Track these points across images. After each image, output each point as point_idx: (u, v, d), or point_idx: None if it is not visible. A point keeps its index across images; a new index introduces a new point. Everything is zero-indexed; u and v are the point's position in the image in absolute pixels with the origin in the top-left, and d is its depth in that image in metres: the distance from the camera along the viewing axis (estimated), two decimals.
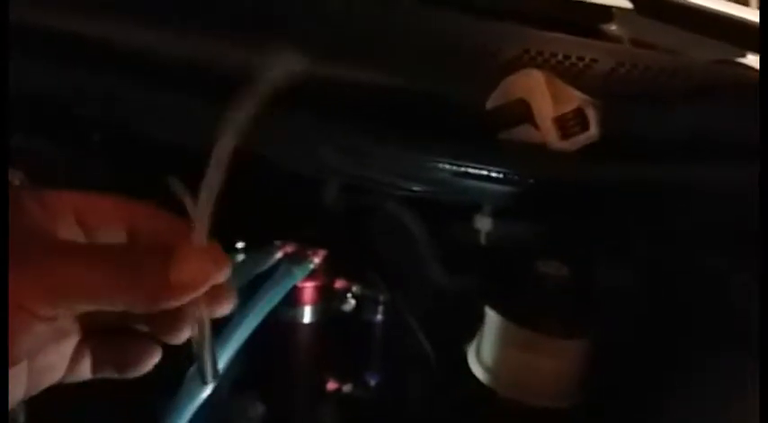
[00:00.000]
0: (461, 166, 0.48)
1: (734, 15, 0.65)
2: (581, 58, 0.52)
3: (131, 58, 0.59)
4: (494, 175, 0.48)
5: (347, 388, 0.71)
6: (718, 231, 0.49)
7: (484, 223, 0.58)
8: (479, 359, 0.53)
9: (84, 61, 0.59)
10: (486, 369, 0.52)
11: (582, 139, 0.48)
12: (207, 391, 0.55)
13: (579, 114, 0.48)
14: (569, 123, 0.48)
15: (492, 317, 0.51)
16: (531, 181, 0.47)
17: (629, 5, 0.66)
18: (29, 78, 0.61)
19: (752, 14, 0.66)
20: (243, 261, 0.65)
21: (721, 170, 0.47)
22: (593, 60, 0.52)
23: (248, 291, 0.61)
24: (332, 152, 0.53)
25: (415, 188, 0.53)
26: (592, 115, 0.48)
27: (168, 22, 0.60)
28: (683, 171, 0.48)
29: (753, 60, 0.70)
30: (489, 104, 0.50)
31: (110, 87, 0.59)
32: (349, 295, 0.69)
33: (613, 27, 0.68)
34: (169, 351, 0.67)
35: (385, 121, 0.51)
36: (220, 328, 0.58)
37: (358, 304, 0.69)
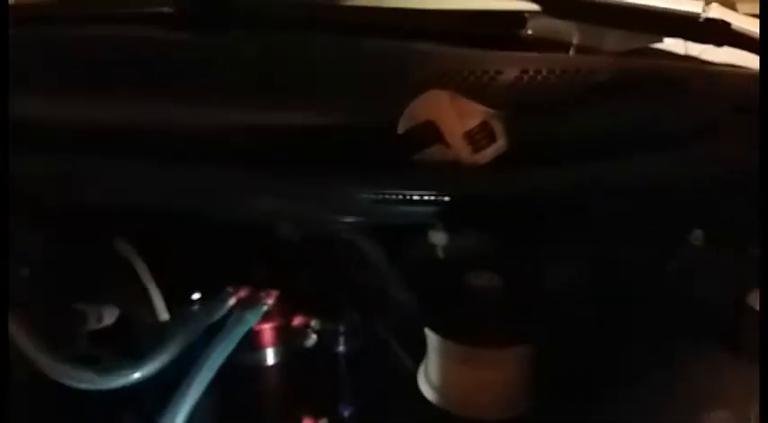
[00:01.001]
0: (380, 193, 0.49)
1: (641, 4, 0.66)
2: (486, 72, 0.53)
3: (65, 127, 0.60)
4: (411, 197, 0.48)
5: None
6: (644, 223, 0.50)
7: (439, 238, 0.59)
8: (427, 380, 0.53)
9: (22, 136, 0.59)
10: (434, 388, 0.52)
11: (491, 151, 0.49)
12: None
13: (485, 127, 0.49)
14: (477, 137, 0.49)
15: (431, 336, 0.51)
16: (447, 198, 0.48)
17: (537, 8, 0.67)
18: None
19: (658, 1, 0.67)
20: (196, 313, 0.65)
21: (633, 163, 0.48)
22: (498, 72, 0.53)
23: (204, 341, 0.61)
24: (260, 198, 0.54)
25: (344, 219, 0.53)
26: (498, 126, 0.49)
27: (99, 86, 0.61)
28: (595, 169, 0.48)
29: (671, 44, 0.72)
30: (399, 129, 0.51)
31: (50, 161, 0.60)
32: (309, 330, 0.69)
33: (529, 31, 0.69)
34: (132, 414, 0.67)
35: (305, 160, 0.52)
36: (177, 380, 0.59)
37: (319, 338, 0.69)
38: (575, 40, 0.65)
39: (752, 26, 0.60)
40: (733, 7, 0.70)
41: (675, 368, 0.48)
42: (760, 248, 0.44)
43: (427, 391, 0.52)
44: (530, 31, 0.68)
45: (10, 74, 0.62)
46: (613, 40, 0.66)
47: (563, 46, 0.64)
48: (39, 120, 0.61)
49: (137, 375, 0.57)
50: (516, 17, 0.68)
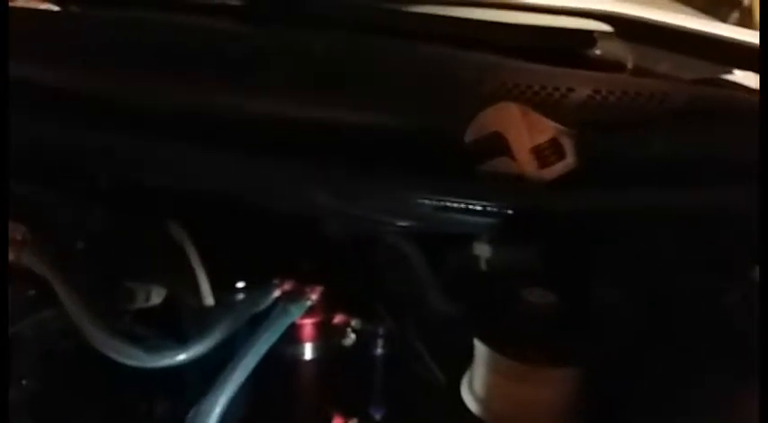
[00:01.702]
0: (442, 201, 0.49)
1: (716, 34, 0.66)
2: (557, 88, 0.53)
3: (129, 110, 0.61)
4: (474, 208, 0.48)
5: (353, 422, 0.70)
6: (705, 253, 0.49)
7: (483, 250, 0.58)
8: (471, 391, 0.53)
9: (84, 116, 0.61)
10: (478, 400, 0.51)
11: (559, 168, 0.49)
12: None
13: (555, 144, 0.49)
14: (545, 153, 0.49)
15: (480, 348, 0.51)
16: (511, 212, 0.48)
17: (609, 29, 0.66)
18: (31, 133, 0.63)
19: (733, 32, 0.66)
20: (242, 300, 0.66)
21: (701, 192, 0.47)
22: (570, 89, 0.53)
23: (247, 330, 0.62)
24: (318, 193, 0.54)
25: (400, 224, 0.53)
26: (567, 144, 0.49)
27: (163, 72, 0.63)
28: (662, 194, 0.48)
29: (740, 76, 0.70)
30: (466, 138, 0.51)
31: (109, 140, 0.62)
32: (349, 330, 0.69)
33: (597, 52, 0.68)
34: (169, 396, 0.68)
35: (367, 160, 0.52)
36: (219, 368, 0.59)
37: (358, 338, 0.70)
38: (645, 64, 0.64)
39: None
40: None
41: (723, 404, 0.47)
42: (760, 248, 0.44)
43: (470, 403, 0.52)
44: (598, 52, 0.68)
45: (81, 50, 0.64)
46: (685, 67, 0.66)
47: (632, 69, 0.64)
48: (102, 98, 0.62)
49: (182, 357, 0.58)
50: (586, 36, 0.67)
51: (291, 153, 0.55)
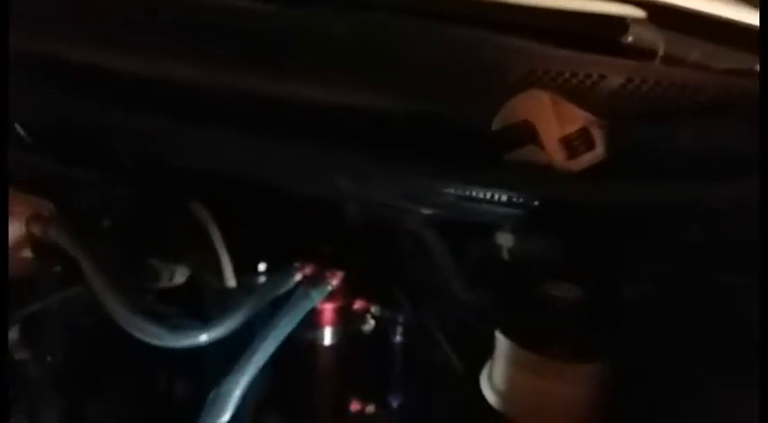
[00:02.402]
0: (467, 190, 0.48)
1: (750, 23, 0.63)
2: (588, 76, 0.52)
3: (153, 89, 0.61)
4: (499, 197, 0.48)
5: (370, 409, 0.71)
6: (732, 248, 0.48)
7: (503, 239, 0.58)
8: (491, 383, 0.53)
9: (113, 95, 0.61)
10: (498, 393, 0.51)
11: (588, 159, 0.48)
12: (227, 415, 0.56)
13: (584, 134, 0.48)
14: (575, 143, 0.48)
15: (502, 341, 0.51)
16: (537, 202, 0.47)
17: (642, 15, 0.64)
18: (59, 110, 0.64)
19: None
20: (263, 283, 0.66)
21: (733, 187, 0.46)
22: (601, 77, 0.52)
23: (268, 313, 0.62)
24: (342, 178, 0.54)
25: (424, 211, 0.53)
26: (597, 135, 0.48)
27: (186, 52, 0.62)
28: (693, 188, 0.46)
29: None
30: (494, 126, 0.50)
31: (138, 120, 0.62)
32: (368, 316, 0.70)
33: (629, 38, 0.67)
34: (189, 377, 0.68)
35: (392, 145, 0.51)
36: (241, 350, 0.60)
37: (378, 325, 0.70)
38: (676, 52, 0.62)
39: None
40: None
41: (745, 405, 0.46)
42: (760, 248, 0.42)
43: (490, 394, 0.51)
44: (630, 38, 0.66)
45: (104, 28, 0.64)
46: (717, 55, 0.64)
47: (664, 56, 0.62)
48: (128, 76, 0.62)
49: (204, 337, 0.58)
50: (619, 22, 0.66)
51: (315, 137, 0.55)
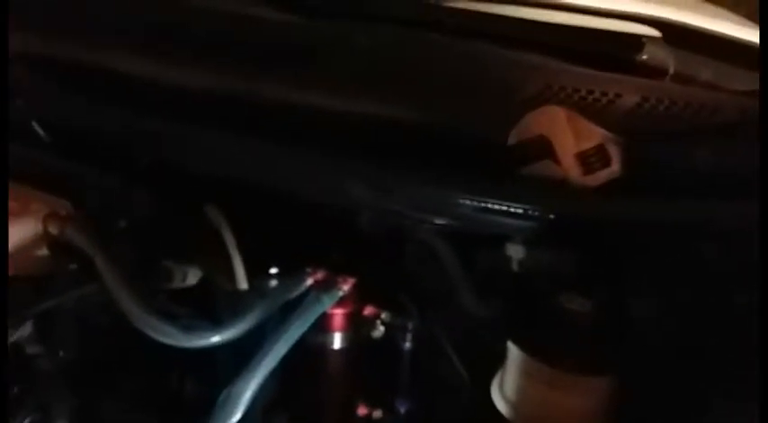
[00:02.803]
0: (482, 202, 0.49)
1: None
2: (604, 94, 0.53)
3: (173, 95, 0.62)
4: (514, 210, 0.48)
5: (377, 414, 0.71)
6: (744, 267, 0.48)
7: (516, 251, 0.59)
8: (502, 393, 0.53)
9: (132, 98, 0.62)
10: (509, 403, 0.52)
11: (604, 175, 0.49)
12: (237, 416, 0.57)
13: (601, 151, 0.49)
14: (591, 160, 0.49)
15: (514, 351, 0.51)
16: (552, 217, 0.48)
17: (657, 34, 0.65)
18: (78, 111, 0.65)
19: None
20: (275, 287, 0.67)
21: (745, 207, 0.47)
22: (618, 95, 0.53)
23: (279, 317, 0.63)
24: (356, 187, 0.55)
25: (438, 221, 0.54)
26: (614, 152, 0.49)
27: (206, 60, 0.63)
28: (707, 207, 0.47)
29: None
30: (510, 140, 0.51)
31: (156, 124, 0.63)
32: (378, 322, 0.70)
33: (644, 57, 0.67)
34: (199, 378, 0.69)
35: (408, 156, 0.52)
36: (252, 352, 0.60)
37: (387, 331, 0.71)
38: (688, 71, 0.63)
39: None
40: None
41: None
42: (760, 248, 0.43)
43: (500, 404, 0.52)
44: (645, 57, 0.67)
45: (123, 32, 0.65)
46: (729, 76, 0.65)
47: (674, 75, 0.63)
48: (146, 81, 0.63)
49: (216, 338, 0.59)
50: (634, 40, 0.66)
51: (332, 145, 0.55)
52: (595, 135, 0.49)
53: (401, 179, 0.52)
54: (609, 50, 0.65)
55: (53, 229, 0.64)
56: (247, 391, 0.58)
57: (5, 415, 0.42)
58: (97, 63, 0.66)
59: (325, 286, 0.65)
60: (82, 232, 0.63)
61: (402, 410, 0.71)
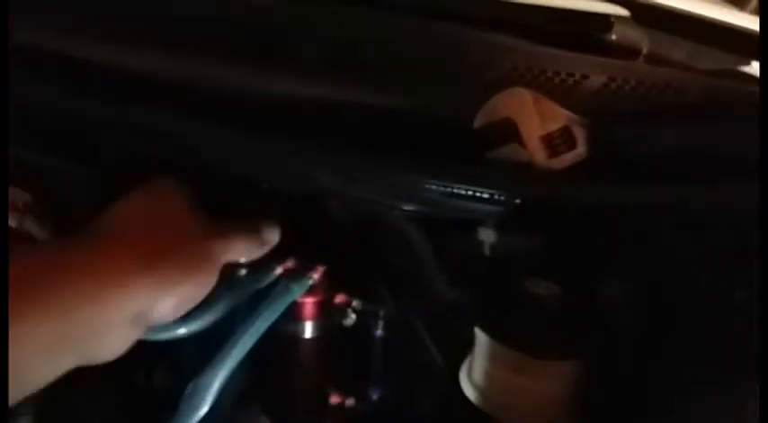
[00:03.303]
0: (448, 187, 0.48)
1: (733, 23, 0.64)
2: (571, 75, 0.52)
3: (137, 83, 0.60)
4: (480, 195, 0.48)
5: (350, 402, 0.71)
6: (715, 250, 0.48)
7: (488, 235, 0.58)
8: (470, 379, 0.53)
9: (90, 87, 0.60)
10: (477, 389, 0.51)
11: (569, 158, 0.48)
12: (205, 408, 0.56)
13: (566, 133, 0.48)
14: (556, 142, 0.48)
15: (481, 337, 0.51)
16: (518, 201, 0.47)
17: (626, 13, 0.65)
18: (40, 101, 0.63)
19: (751, 22, 0.65)
20: (244, 277, 0.66)
21: (714, 188, 0.46)
22: (584, 76, 0.52)
23: (248, 306, 0.62)
24: (324, 174, 0.53)
25: (406, 207, 0.53)
26: (579, 133, 0.48)
27: (170, 45, 0.61)
28: (675, 190, 0.47)
29: (756, 68, 0.69)
30: (476, 123, 0.50)
31: (119, 111, 0.61)
32: (349, 310, 0.70)
33: (613, 37, 0.67)
34: (167, 370, 0.68)
35: (372, 141, 0.51)
36: (220, 343, 0.59)
37: (359, 319, 0.70)
38: (659, 51, 0.63)
39: None
40: None
41: (725, 404, 0.46)
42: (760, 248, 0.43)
43: (469, 391, 0.52)
44: (614, 37, 0.66)
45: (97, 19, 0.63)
46: (701, 55, 0.64)
47: (647, 55, 0.62)
48: (103, 66, 0.61)
49: (182, 331, 0.58)
50: (603, 20, 0.66)
51: (297, 132, 0.54)
52: (561, 117, 0.48)
53: (365, 165, 0.51)
54: (577, 30, 0.64)
55: (12, 222, 0.62)
56: (215, 382, 0.57)
57: (6, 415, 0.40)
58: (57, 49, 0.63)
59: (294, 275, 0.64)
60: (41, 225, 0.61)
61: (375, 397, 0.71)
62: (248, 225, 0.56)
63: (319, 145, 0.52)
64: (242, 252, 0.54)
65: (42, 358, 0.38)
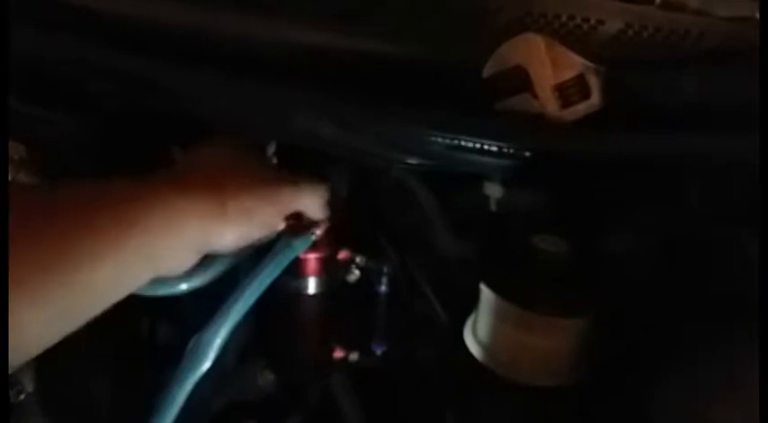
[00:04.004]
0: (455, 139, 0.46)
1: None
2: (586, 20, 0.49)
3: (131, 28, 0.58)
4: (488, 148, 0.46)
5: (353, 356, 0.71)
6: (729, 202, 0.47)
7: (494, 190, 0.56)
8: (475, 336, 0.52)
9: (93, 35, 0.58)
10: (482, 346, 0.51)
11: (582, 108, 0.46)
12: (207, 363, 0.56)
13: (580, 82, 0.46)
14: (569, 91, 0.46)
15: (486, 293, 0.50)
16: (528, 153, 0.45)
17: None
18: (32, 46, 0.61)
19: None
20: None
21: (731, 139, 0.44)
22: (599, 22, 0.49)
23: (251, 263, 0.61)
24: (324, 125, 0.51)
25: (410, 161, 0.51)
26: (593, 82, 0.46)
27: None
28: (690, 140, 0.45)
29: None
30: (486, 72, 0.48)
31: (110, 60, 0.59)
32: (353, 266, 0.69)
33: None
34: (171, 325, 0.68)
35: (375, 91, 0.49)
36: (222, 299, 0.59)
37: (362, 275, 0.69)
38: None
39: None
40: None
41: (738, 363, 0.46)
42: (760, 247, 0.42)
43: (473, 347, 0.51)
44: None
45: None
46: (724, 4, 0.61)
47: (663, 4, 0.59)
48: (96, 12, 0.59)
49: (184, 287, 0.57)
50: None
51: (297, 81, 0.52)
52: (574, 65, 0.46)
53: (366, 115, 0.49)
54: None
55: (9, 174, 0.61)
56: (217, 338, 0.56)
57: (6, 415, 0.41)
58: None
59: (297, 231, 0.63)
60: (37, 177, 0.60)
61: (378, 352, 0.71)
62: (320, 183, 0.58)
63: (319, 94, 0.50)
64: (308, 206, 0.56)
65: (123, 270, 0.44)
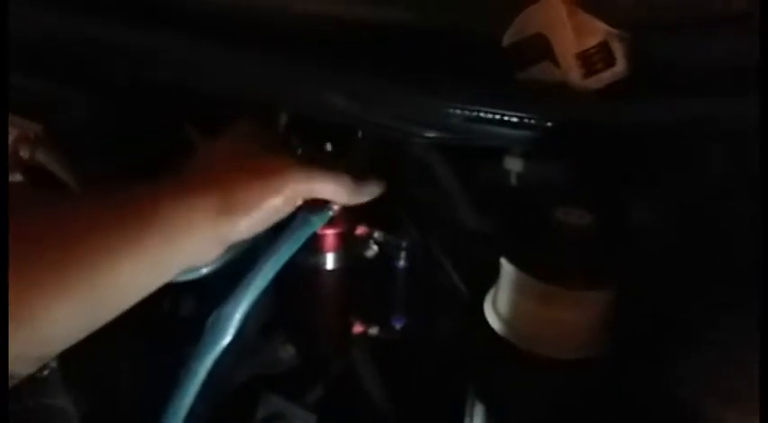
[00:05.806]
0: (474, 111, 0.45)
1: None
2: None
3: (145, 4, 0.57)
4: (509, 119, 0.45)
5: (373, 331, 0.71)
6: (751, 173, 0.45)
7: (515, 164, 0.55)
8: (495, 310, 0.52)
9: (104, 12, 0.57)
10: (503, 320, 0.50)
11: (607, 76, 0.44)
12: (228, 338, 0.56)
13: (604, 49, 0.44)
14: (593, 59, 0.44)
15: (507, 267, 0.49)
16: (550, 124, 0.44)
17: None
18: (45, 25, 0.60)
19: None
20: None
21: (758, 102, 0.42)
22: None
23: (269, 239, 0.61)
24: (340, 97, 0.50)
25: (428, 134, 0.50)
26: (618, 49, 0.44)
27: None
28: (726, 107, 0.43)
29: None
30: (506, 40, 0.46)
31: (124, 35, 0.58)
32: (371, 241, 0.68)
33: None
34: (192, 300, 0.68)
35: (391, 61, 0.48)
36: (241, 275, 0.59)
37: (381, 250, 0.69)
38: None
39: None
40: None
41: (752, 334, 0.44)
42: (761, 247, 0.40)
43: (494, 321, 0.50)
44: None
45: None
46: None
47: None
48: None
49: (204, 270, 0.58)
50: None
51: (311, 53, 0.51)
52: (598, 31, 0.44)
53: (381, 87, 0.48)
54: None
55: (24, 154, 0.61)
56: (236, 313, 0.57)
57: (6, 415, 0.43)
58: None
59: (314, 207, 0.63)
60: (53, 155, 0.60)
61: (398, 326, 0.71)
62: (341, 167, 0.57)
63: (335, 66, 0.49)
64: (328, 192, 0.56)
65: (143, 268, 0.47)
